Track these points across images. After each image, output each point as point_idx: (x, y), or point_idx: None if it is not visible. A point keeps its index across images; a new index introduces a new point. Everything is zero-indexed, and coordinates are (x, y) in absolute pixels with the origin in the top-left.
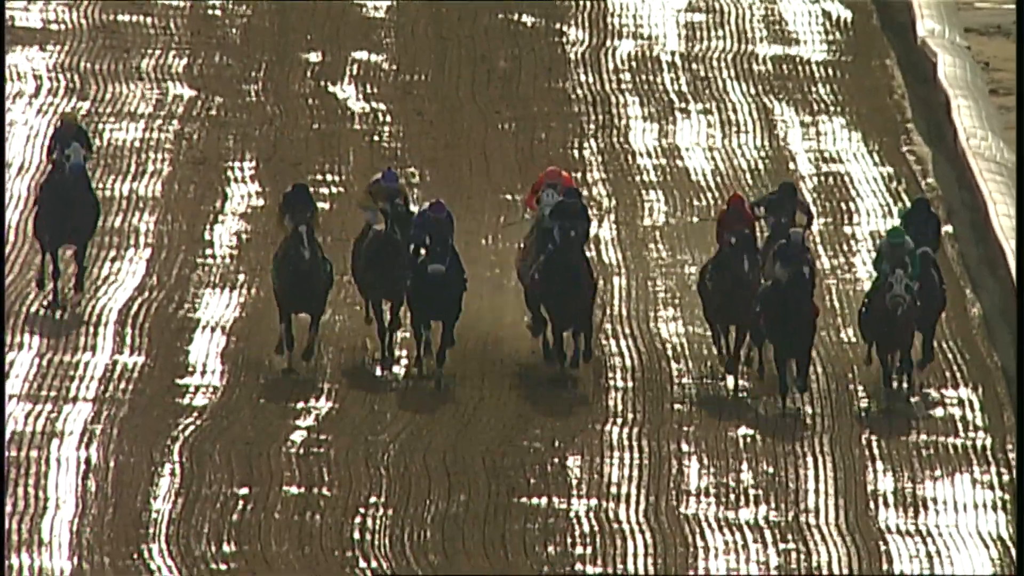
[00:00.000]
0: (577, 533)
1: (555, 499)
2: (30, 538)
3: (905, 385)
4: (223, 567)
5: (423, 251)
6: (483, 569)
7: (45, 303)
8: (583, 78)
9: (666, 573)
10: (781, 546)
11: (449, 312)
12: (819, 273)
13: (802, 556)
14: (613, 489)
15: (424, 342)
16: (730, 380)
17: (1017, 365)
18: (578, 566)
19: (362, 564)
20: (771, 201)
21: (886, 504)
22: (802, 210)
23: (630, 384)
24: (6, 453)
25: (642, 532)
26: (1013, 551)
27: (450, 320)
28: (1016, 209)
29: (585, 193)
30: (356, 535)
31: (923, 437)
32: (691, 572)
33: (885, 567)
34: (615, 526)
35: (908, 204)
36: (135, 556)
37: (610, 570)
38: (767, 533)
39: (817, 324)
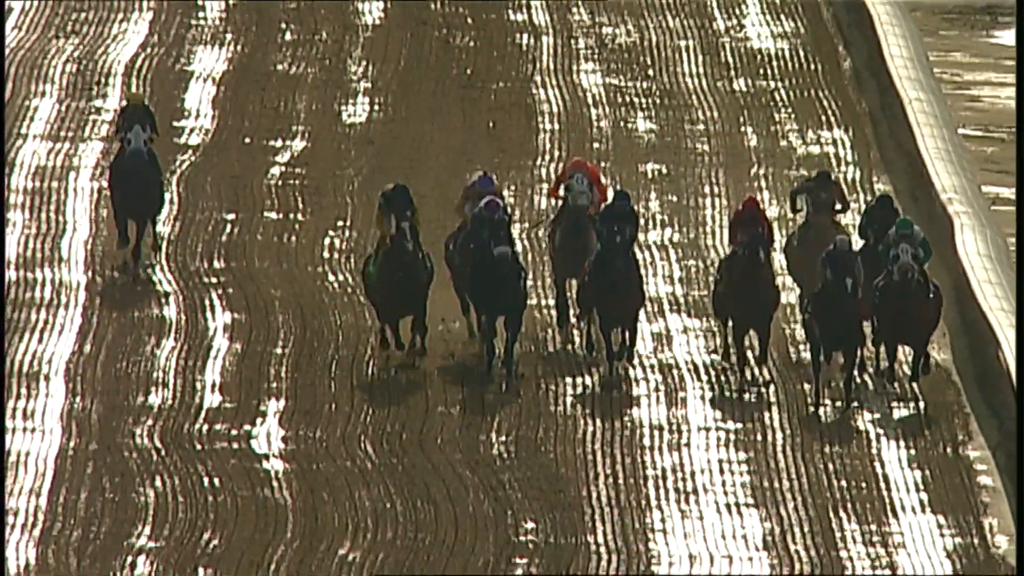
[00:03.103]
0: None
1: None
2: (52, 255)
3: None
4: (213, 280)
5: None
6: None
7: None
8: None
9: None
10: (684, 263)
11: (514, 299)
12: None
13: (700, 272)
14: (542, 217)
15: (489, 341)
16: (750, 373)
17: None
18: None
19: (331, 278)
20: (809, 188)
21: (773, 227)
22: (838, 197)
23: (556, 127)
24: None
25: None
26: None
27: (515, 313)
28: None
29: None
30: (326, 254)
31: (803, 172)
32: None
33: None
34: (542, 247)
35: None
36: (139, 271)
37: None
38: (671, 252)
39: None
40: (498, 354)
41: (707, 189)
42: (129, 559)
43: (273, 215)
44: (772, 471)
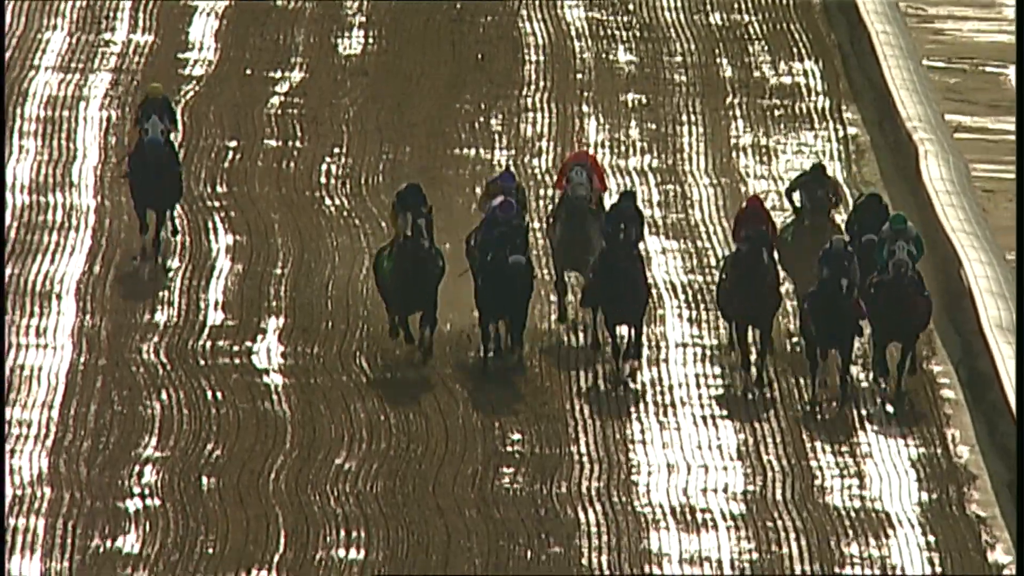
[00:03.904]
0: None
1: (481, 151)
2: (63, 181)
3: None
4: (216, 204)
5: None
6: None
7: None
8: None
9: None
10: (662, 187)
11: (519, 308)
12: None
13: (679, 197)
14: (528, 143)
15: (494, 339)
16: (753, 372)
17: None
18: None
19: (327, 202)
20: (804, 183)
21: (746, 153)
22: (832, 190)
23: (541, 58)
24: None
25: (551, 177)
26: (847, 190)
27: (519, 318)
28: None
29: None
30: (323, 179)
31: (775, 101)
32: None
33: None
34: (529, 172)
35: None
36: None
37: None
38: (650, 177)
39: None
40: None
41: (684, 117)
42: (136, 468)
43: (272, 142)
44: (745, 385)
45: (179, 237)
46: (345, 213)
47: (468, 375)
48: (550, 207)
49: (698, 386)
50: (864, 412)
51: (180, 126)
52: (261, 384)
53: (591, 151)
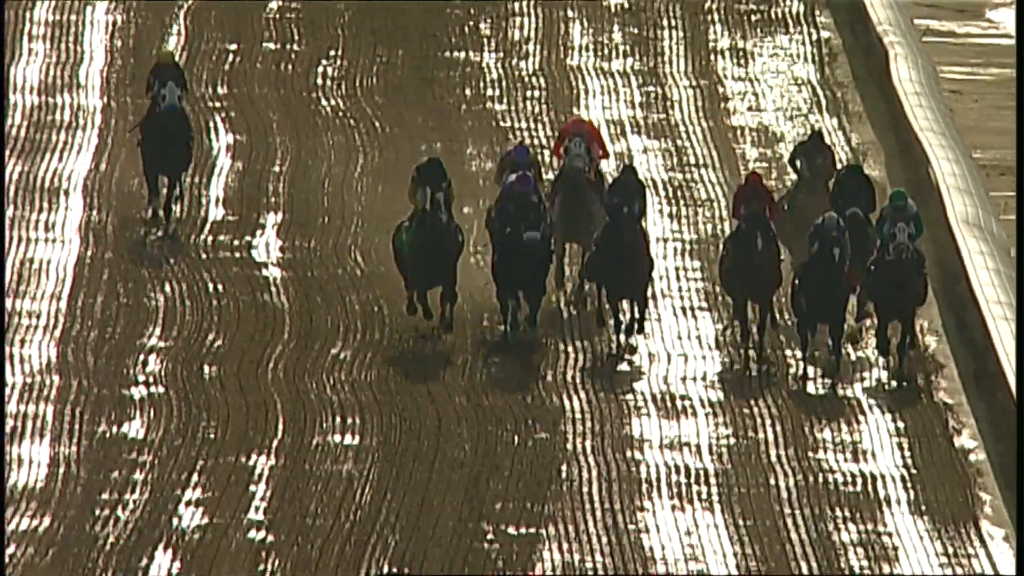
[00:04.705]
0: (487, 79)
1: (471, 54)
2: (71, 82)
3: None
4: (217, 104)
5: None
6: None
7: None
8: None
9: (555, 114)
10: (643, 89)
11: (536, 283)
12: None
13: (659, 98)
14: (516, 46)
15: (511, 314)
16: (752, 354)
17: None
18: (488, 104)
19: (323, 103)
20: (805, 148)
21: (723, 56)
22: (831, 160)
23: None
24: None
25: (537, 79)
26: (820, 91)
27: (535, 292)
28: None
29: None
30: (319, 81)
31: (751, 6)
32: (573, 111)
33: (726, 110)
34: (516, 74)
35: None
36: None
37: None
38: (632, 79)
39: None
40: (520, 326)
41: (665, 22)
42: (141, 357)
43: (271, 45)
44: None
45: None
46: (340, 113)
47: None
48: (534, 106)
49: (678, 279)
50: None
51: (183, 29)
52: (260, 277)
53: (586, 123)
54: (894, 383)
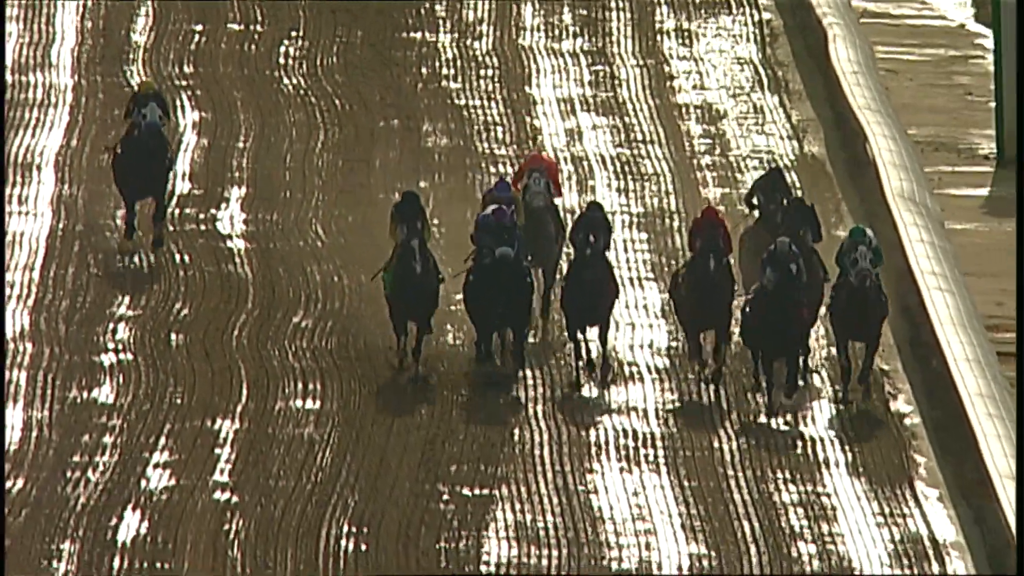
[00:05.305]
0: (442, 58)
1: (427, 34)
2: (43, 62)
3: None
4: (183, 83)
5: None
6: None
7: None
8: None
9: (508, 92)
10: (592, 68)
11: (519, 312)
12: None
13: (608, 77)
14: (470, 27)
15: (487, 350)
16: (711, 385)
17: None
18: (443, 83)
19: (285, 81)
20: (761, 186)
21: (669, 36)
22: (787, 192)
23: None
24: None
25: (490, 58)
26: (761, 70)
27: (520, 323)
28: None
29: None
30: (281, 60)
31: None
32: (525, 90)
33: (672, 88)
34: (471, 53)
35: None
36: (120, 75)
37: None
38: (582, 59)
39: (806, 327)
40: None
41: (613, 3)
42: (111, 326)
43: (235, 26)
44: (669, 250)
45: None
46: (302, 91)
47: None
48: (488, 84)
49: (626, 251)
50: None
51: (151, 11)
52: (225, 248)
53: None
54: (832, 350)
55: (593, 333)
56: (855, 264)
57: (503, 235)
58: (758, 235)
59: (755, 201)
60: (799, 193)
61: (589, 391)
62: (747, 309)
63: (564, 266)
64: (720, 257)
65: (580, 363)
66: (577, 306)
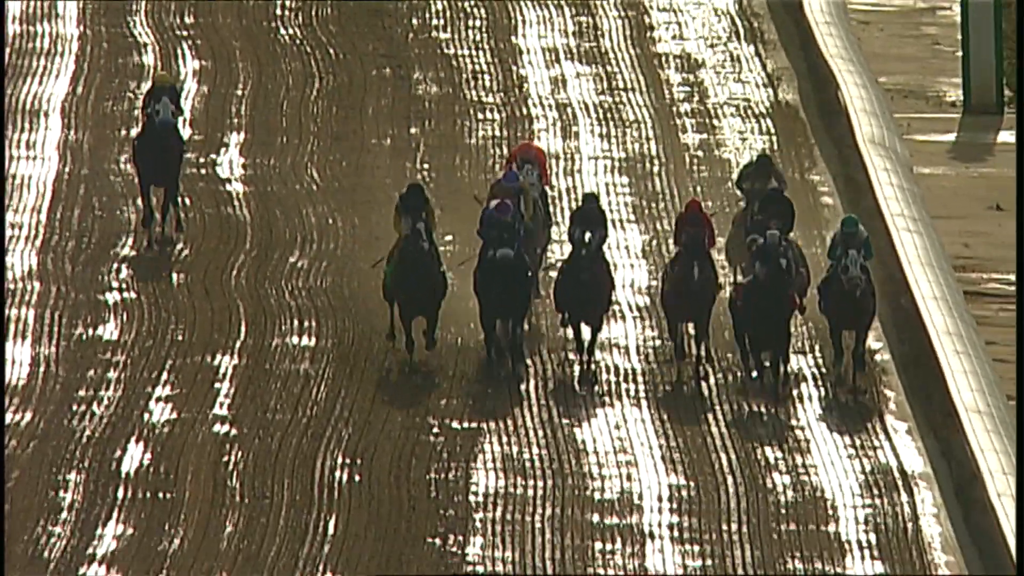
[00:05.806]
0: (432, 9)
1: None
2: (49, 12)
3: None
4: (184, 33)
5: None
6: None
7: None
8: None
9: (495, 42)
10: (576, 19)
11: (517, 306)
12: None
13: (591, 27)
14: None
15: (495, 344)
16: (689, 374)
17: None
18: (433, 33)
19: (282, 32)
20: (749, 173)
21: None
22: (777, 178)
23: None
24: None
25: (478, 9)
26: (738, 21)
27: (517, 316)
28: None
29: None
30: (279, 11)
31: None
32: (512, 40)
33: (652, 38)
34: (459, 5)
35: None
36: (124, 26)
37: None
38: (565, 10)
39: (793, 319)
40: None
41: None
42: (115, 266)
43: None
44: (650, 192)
45: (151, 61)
46: (298, 41)
47: (405, 183)
48: (475, 35)
49: (608, 194)
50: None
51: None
52: (224, 191)
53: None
54: (809, 291)
55: (586, 329)
56: (846, 271)
57: (504, 234)
58: (746, 225)
59: (744, 187)
60: (775, 150)
61: (572, 328)
62: (738, 302)
63: (556, 260)
64: (704, 263)
65: (580, 354)
66: (571, 306)
